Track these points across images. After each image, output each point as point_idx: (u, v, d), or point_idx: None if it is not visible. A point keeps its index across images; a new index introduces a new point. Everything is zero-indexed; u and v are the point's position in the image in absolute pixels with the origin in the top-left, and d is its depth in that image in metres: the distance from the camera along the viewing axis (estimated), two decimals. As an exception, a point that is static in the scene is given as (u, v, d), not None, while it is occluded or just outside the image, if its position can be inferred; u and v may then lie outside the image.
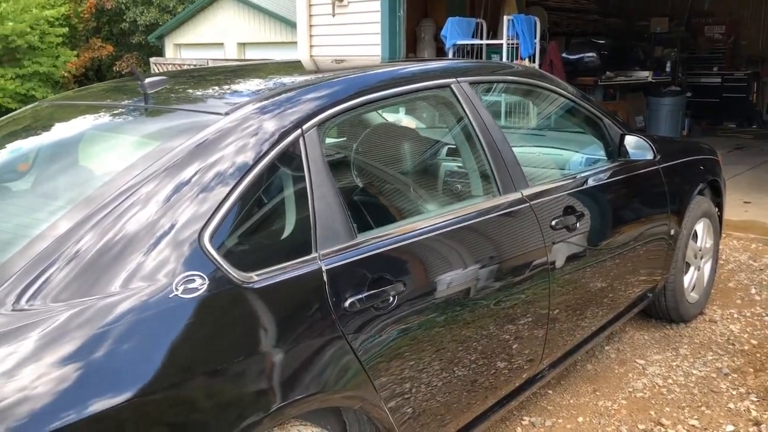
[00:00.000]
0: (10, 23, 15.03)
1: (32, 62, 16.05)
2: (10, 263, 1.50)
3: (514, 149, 2.47)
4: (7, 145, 2.28)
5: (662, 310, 3.55)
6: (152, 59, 15.20)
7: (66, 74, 17.50)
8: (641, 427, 2.74)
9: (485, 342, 2.23)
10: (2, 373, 1.29)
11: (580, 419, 2.80)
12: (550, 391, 3.01)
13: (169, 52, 19.41)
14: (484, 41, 7.20)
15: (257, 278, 1.65)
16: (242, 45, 18.38)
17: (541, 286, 2.45)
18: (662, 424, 2.76)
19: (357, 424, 2.02)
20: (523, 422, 2.78)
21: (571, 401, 2.94)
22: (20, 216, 1.83)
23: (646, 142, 2.99)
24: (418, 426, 2.06)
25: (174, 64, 13.99)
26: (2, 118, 2.51)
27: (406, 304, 1.94)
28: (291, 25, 15.54)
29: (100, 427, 1.35)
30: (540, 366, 2.60)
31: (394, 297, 1.90)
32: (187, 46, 19.45)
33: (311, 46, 8.07)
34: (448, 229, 2.14)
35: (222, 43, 18.59)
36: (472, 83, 2.43)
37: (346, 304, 1.79)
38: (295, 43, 8.57)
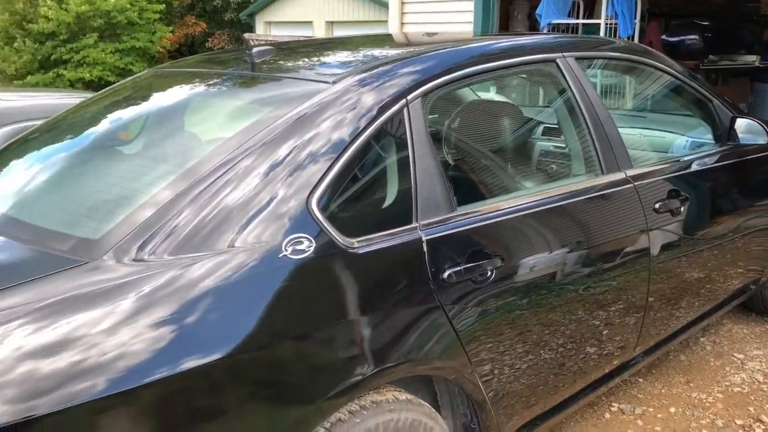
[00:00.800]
0: (112, 0, 15.68)
1: (130, 37, 16.70)
2: (131, 219, 1.57)
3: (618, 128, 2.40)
4: (118, 111, 2.39)
5: (765, 303, 3.38)
6: (246, 35, 15.56)
7: (161, 50, 18.14)
8: (739, 422, 2.63)
9: (578, 325, 2.19)
10: (121, 319, 1.36)
11: (672, 409, 2.72)
12: (641, 380, 2.93)
13: (260, 29, 19.80)
14: (581, 20, 6.98)
15: (359, 244, 1.68)
16: (330, 23, 18.54)
17: (640, 271, 2.37)
18: (762, 422, 2.64)
19: (447, 395, 2.03)
20: (612, 408, 2.73)
21: (663, 391, 2.85)
22: (136, 176, 1.91)
23: (761, 126, 2.83)
24: (508, 401, 2.05)
25: (266, 41, 14.28)
26: (116, 84, 2.63)
27: (503, 279, 1.93)
28: (379, 3, 15.54)
29: (205, 380, 1.40)
30: (632, 353, 2.54)
31: (491, 271, 1.89)
32: (277, 24, 19.79)
33: (402, 23, 8.04)
34: (549, 206, 2.10)
35: (311, 22, 18.80)
36: (577, 58, 2.37)
37: (445, 275, 1.79)
38: (383, 21, 8.57)
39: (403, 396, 1.81)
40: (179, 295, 1.43)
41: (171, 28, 18.65)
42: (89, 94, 5.84)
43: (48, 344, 1.29)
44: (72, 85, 14.04)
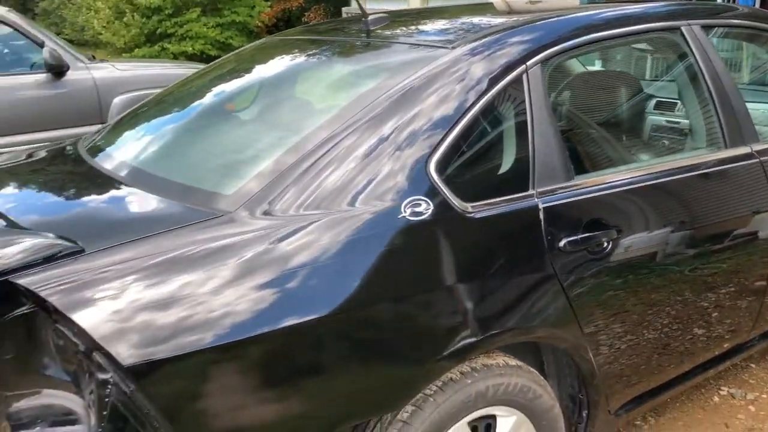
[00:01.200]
0: (215, -27, 16.08)
1: (231, 12, 17.11)
2: (259, 177, 1.64)
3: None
4: (234, 79, 2.47)
5: None
6: (344, 9, 15.71)
7: (259, 24, 18.51)
8: None
9: (692, 304, 2.12)
10: (253, 268, 1.43)
11: (787, 398, 2.60)
12: (753, 365, 2.81)
13: (355, 3, 19.89)
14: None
15: (475, 209, 1.69)
16: (425, -3, 18.37)
17: (763, 251, 2.27)
18: None
19: (554, 365, 2.03)
20: (721, 392, 2.64)
21: (777, 378, 2.73)
22: (260, 139, 1.98)
23: None
24: (616, 376, 2.02)
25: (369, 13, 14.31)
26: (231, 54, 2.73)
27: (619, 251, 1.89)
28: (476, -23, 15.27)
29: (322, 332, 1.46)
30: (747, 336, 2.44)
31: (608, 243, 1.86)
32: (372, -2, 19.79)
33: (502, -4, 7.88)
34: (668, 179, 2.04)
35: (406, -5, 18.69)
36: (703, 26, 2.26)
37: (561, 243, 1.77)
38: (483, -6, 8.38)
39: (513, 362, 1.82)
40: (304, 250, 1.49)
41: (269, 3, 19.00)
42: (195, 66, 6.08)
43: (180, 290, 1.38)
44: (176, 58, 14.59)
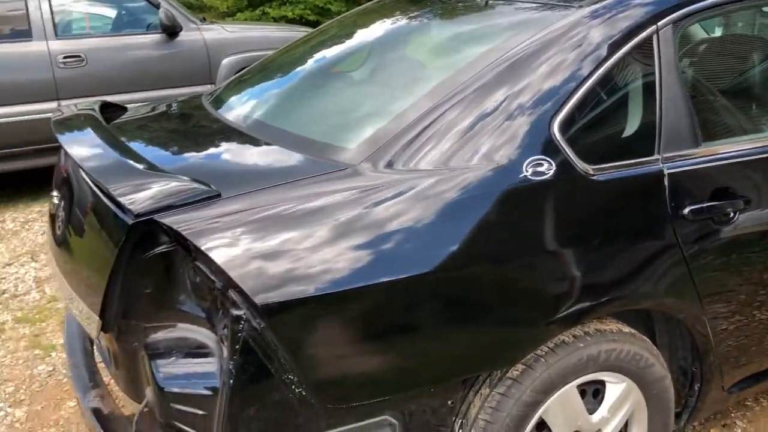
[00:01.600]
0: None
1: (331, -23, 17.20)
2: (380, 133, 1.67)
3: None
4: (345, 40, 2.50)
5: None
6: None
7: (358, -10, 18.53)
8: None
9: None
10: (374, 220, 1.47)
11: None
12: None
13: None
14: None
15: (598, 172, 1.66)
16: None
17: None
18: None
19: (667, 336, 1.98)
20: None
21: None
22: (379, 96, 2.01)
23: None
24: (732, 354, 1.96)
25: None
26: (341, 16, 2.76)
27: (746, 223, 1.82)
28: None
29: (435, 286, 1.49)
30: None
31: (734, 213, 1.79)
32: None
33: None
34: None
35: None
36: None
37: (685, 211, 1.72)
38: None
39: (627, 329, 1.79)
40: (428, 204, 1.51)
41: (368, -32, 18.94)
42: (299, 29, 6.17)
43: (311, 238, 1.43)
44: (276, 21, 14.87)
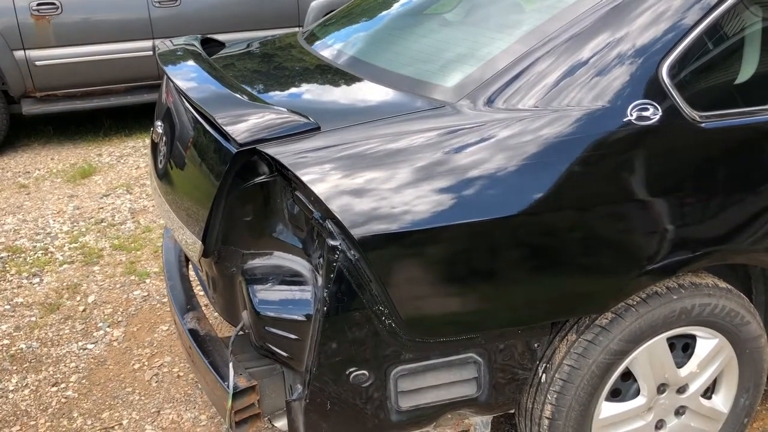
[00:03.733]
0: None
1: None
2: (479, 72, 1.65)
3: None
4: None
5: None
6: None
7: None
8: None
9: None
10: (475, 159, 1.47)
11: None
12: None
13: None
14: None
15: (706, 119, 1.59)
16: None
17: None
18: None
19: (764, 294, 1.92)
20: None
21: None
22: (476, 37, 1.97)
23: None
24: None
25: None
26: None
27: None
28: None
29: (540, 226, 1.49)
30: None
31: None
32: None
33: None
34: None
35: None
36: None
37: (797, 164, 1.64)
38: None
39: (723, 284, 1.74)
40: (527, 143, 1.50)
41: None
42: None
43: (408, 175, 1.45)
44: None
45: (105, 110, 5.26)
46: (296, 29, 5.17)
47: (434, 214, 1.42)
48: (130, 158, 4.71)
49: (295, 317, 1.51)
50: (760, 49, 1.67)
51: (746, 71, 1.68)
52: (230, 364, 1.62)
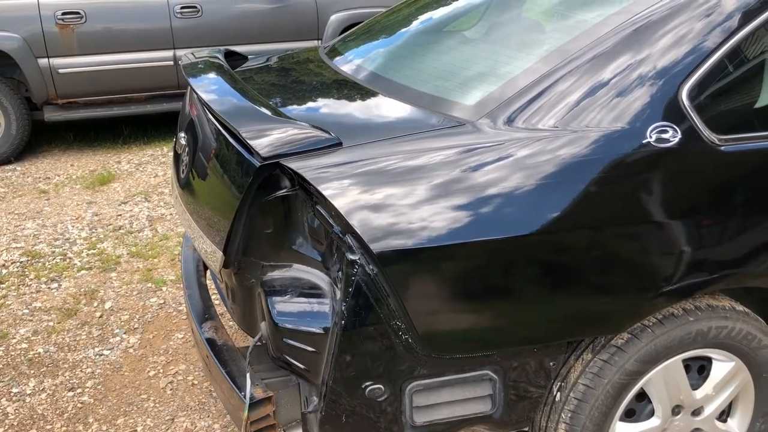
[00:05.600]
0: None
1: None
2: (499, 91, 1.67)
3: None
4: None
5: None
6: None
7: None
8: None
9: None
10: (494, 177, 1.48)
11: None
12: None
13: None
14: None
15: (725, 142, 1.60)
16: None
17: None
18: None
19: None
20: None
21: None
22: (497, 56, 1.99)
23: None
24: None
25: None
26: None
27: None
28: None
29: (549, 247, 1.50)
30: None
31: None
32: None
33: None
34: None
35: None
36: None
37: (816, 189, 1.64)
38: None
39: (740, 307, 1.74)
40: (542, 164, 1.51)
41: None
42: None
43: (426, 191, 1.47)
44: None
45: (125, 118, 5.32)
46: (316, 42, 5.23)
47: (451, 232, 1.44)
48: (148, 166, 4.76)
49: (313, 330, 1.53)
50: (779, 73, 1.68)
51: (766, 95, 1.68)
52: (247, 375, 1.64)
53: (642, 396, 1.75)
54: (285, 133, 1.55)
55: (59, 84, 4.78)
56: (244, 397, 1.62)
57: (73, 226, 3.83)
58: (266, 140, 1.52)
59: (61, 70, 4.75)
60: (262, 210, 1.59)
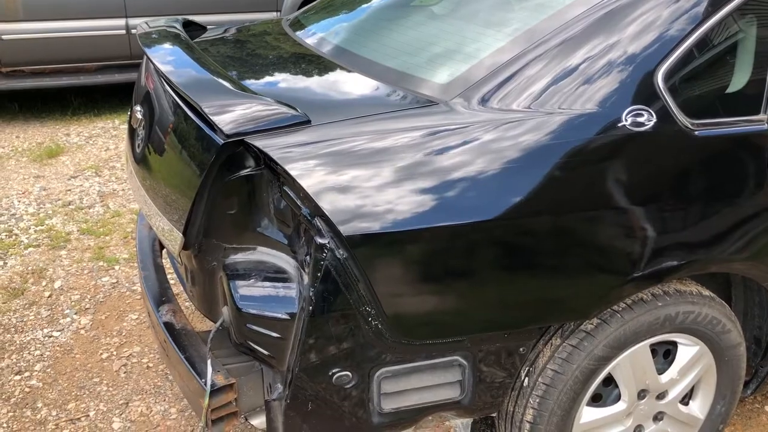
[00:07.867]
0: None
1: None
2: (473, 70, 1.61)
3: None
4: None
5: None
6: None
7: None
8: None
9: None
10: (469, 158, 1.44)
11: None
12: None
13: None
14: None
15: (699, 127, 1.58)
16: None
17: None
18: None
19: (743, 302, 1.94)
20: None
21: None
22: (470, 34, 1.93)
23: None
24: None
25: None
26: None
27: None
28: None
29: (519, 229, 1.47)
30: None
31: (837, 181, 1.70)
32: None
33: None
34: None
35: None
36: None
37: (787, 175, 1.64)
38: None
39: (707, 292, 1.75)
40: (515, 146, 1.47)
41: None
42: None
43: (398, 172, 1.41)
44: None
45: (74, 89, 5.10)
46: (274, 14, 5.08)
47: (423, 215, 1.39)
48: (99, 139, 4.58)
49: (279, 315, 1.47)
50: (753, 58, 1.67)
51: (740, 80, 1.67)
52: (208, 361, 1.57)
53: (609, 381, 1.74)
54: (250, 109, 1.47)
55: (3, 51, 4.54)
56: (205, 384, 1.55)
57: (19, 201, 3.66)
58: (230, 116, 1.44)
59: (4, 37, 4.50)
60: (225, 190, 1.51)
